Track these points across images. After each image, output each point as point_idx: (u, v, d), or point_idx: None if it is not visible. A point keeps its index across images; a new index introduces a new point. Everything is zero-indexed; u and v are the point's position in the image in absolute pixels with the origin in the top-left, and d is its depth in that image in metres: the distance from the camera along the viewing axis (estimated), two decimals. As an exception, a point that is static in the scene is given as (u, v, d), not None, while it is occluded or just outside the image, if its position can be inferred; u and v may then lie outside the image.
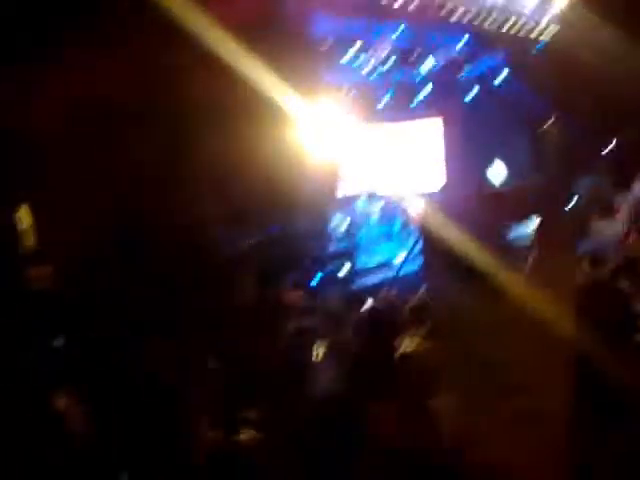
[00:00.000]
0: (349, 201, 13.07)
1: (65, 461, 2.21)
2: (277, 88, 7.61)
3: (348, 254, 11.13)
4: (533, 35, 11.18)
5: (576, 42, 9.95)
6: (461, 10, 11.06)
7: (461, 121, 13.48)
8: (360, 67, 12.20)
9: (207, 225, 7.57)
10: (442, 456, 2.03)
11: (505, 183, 11.86)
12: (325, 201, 11.33)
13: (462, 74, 13.33)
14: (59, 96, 6.09)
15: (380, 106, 13.16)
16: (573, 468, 1.96)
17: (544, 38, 11.12)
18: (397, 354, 3.02)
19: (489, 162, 12.04)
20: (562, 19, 11.01)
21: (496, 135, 12.62)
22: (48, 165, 6.11)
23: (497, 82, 13.01)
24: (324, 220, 11.54)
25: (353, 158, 12.19)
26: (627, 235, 6.89)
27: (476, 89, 13.49)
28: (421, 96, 13.56)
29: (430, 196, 11.62)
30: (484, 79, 13.36)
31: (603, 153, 10.87)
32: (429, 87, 13.39)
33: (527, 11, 11.21)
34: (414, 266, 9.81)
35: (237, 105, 7.30)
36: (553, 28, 11.06)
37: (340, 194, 12.58)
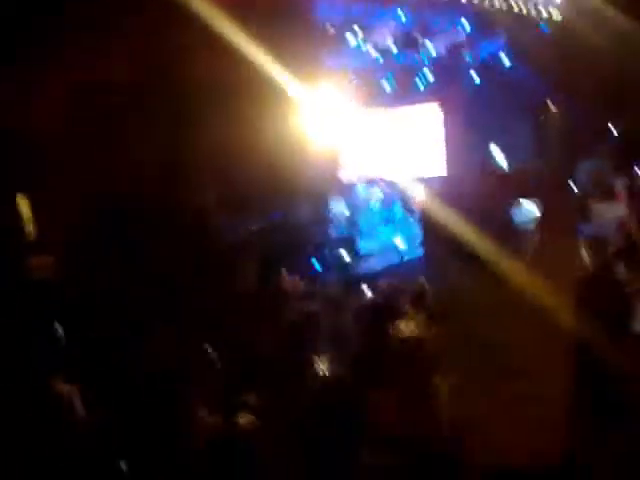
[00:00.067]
0: (350, 187, 13.05)
1: (65, 448, 2.24)
2: (279, 73, 7.56)
3: (349, 240, 11.13)
4: (535, 18, 11.08)
5: (579, 25, 9.87)
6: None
7: (463, 105, 13.40)
8: (362, 51, 12.13)
9: (209, 212, 7.57)
10: (442, 444, 2.04)
11: (507, 167, 11.83)
12: (326, 187, 11.32)
13: (464, 58, 13.24)
14: (57, 82, 6.06)
15: (381, 91, 13.09)
16: (573, 453, 1.97)
17: (546, 21, 11.02)
18: (397, 339, 3.03)
19: (490, 147, 11.99)
20: (564, 2, 10.90)
21: (498, 119, 12.55)
22: (47, 154, 6.10)
23: (499, 66, 12.91)
24: (325, 206, 11.53)
25: (354, 143, 12.15)
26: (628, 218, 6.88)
27: (478, 73, 13.39)
28: (423, 80, 13.47)
29: (432, 180, 11.59)
30: (486, 63, 13.26)
31: (605, 137, 10.82)
32: (431, 71, 13.30)
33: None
34: (415, 251, 9.82)
35: (239, 91, 7.28)
36: (555, 11, 10.95)
37: (341, 180, 12.56)
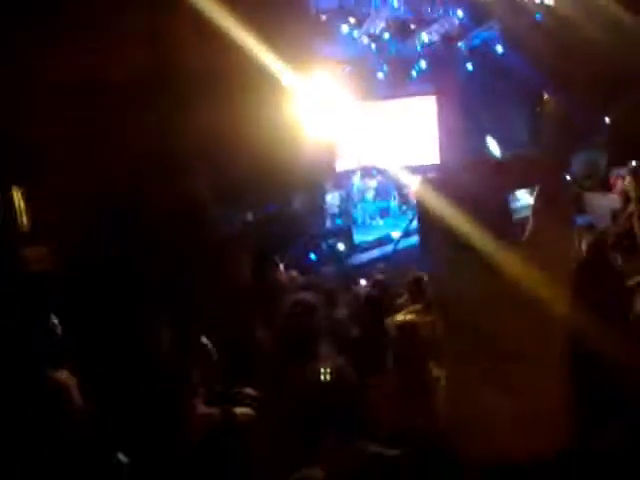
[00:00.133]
0: (345, 177, 13.04)
1: (62, 437, 2.23)
2: (273, 62, 7.51)
3: (344, 231, 11.13)
4: (530, 6, 11.03)
5: (573, 13, 9.83)
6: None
7: (458, 94, 13.39)
8: (356, 40, 12.08)
9: (204, 203, 7.54)
10: (440, 438, 2.03)
11: (501, 155, 11.82)
12: (322, 178, 11.29)
13: (458, 47, 13.21)
14: (48, 74, 6.01)
15: (375, 80, 13.06)
16: (569, 446, 1.97)
17: (541, 9, 10.97)
18: (393, 325, 3.04)
19: (485, 135, 11.98)
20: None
21: (492, 107, 12.54)
22: (41, 145, 6.06)
23: (493, 54, 12.88)
24: (321, 197, 11.52)
25: (349, 133, 12.12)
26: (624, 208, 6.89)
27: (472, 62, 13.37)
28: (418, 69, 13.45)
29: (427, 169, 11.60)
30: (481, 52, 13.23)
31: (600, 127, 10.82)
32: (426, 60, 13.27)
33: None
34: (411, 241, 9.83)
35: (234, 81, 7.23)
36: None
37: (336, 170, 12.55)
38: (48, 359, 2.74)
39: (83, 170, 6.19)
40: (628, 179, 6.83)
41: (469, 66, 13.44)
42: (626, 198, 6.89)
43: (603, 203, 8.64)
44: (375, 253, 10.70)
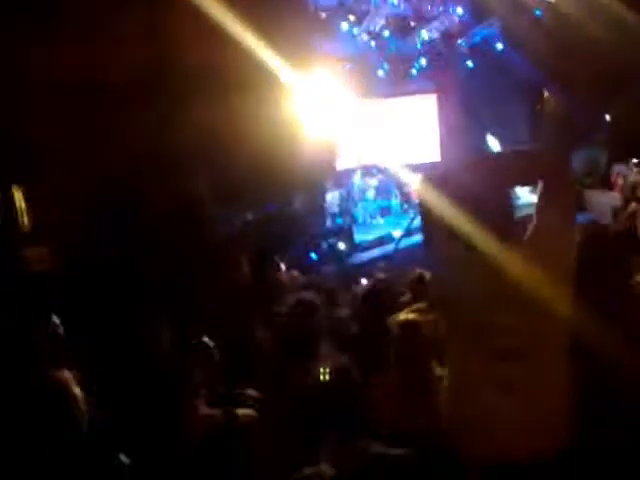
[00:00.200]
0: (346, 176, 13.03)
1: (64, 438, 2.23)
2: (273, 59, 7.48)
3: (345, 230, 11.11)
4: (530, 3, 11.00)
5: (574, 11, 9.81)
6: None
7: (458, 92, 13.37)
8: (355, 37, 12.06)
9: (204, 203, 7.53)
10: (442, 437, 2.03)
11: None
12: (322, 177, 11.27)
13: (459, 44, 13.19)
14: (47, 74, 6.00)
15: (375, 77, 13.04)
16: (570, 444, 1.96)
17: (541, 6, 10.94)
18: (395, 323, 3.03)
19: (485, 133, 11.96)
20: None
21: (493, 105, 12.53)
22: (41, 145, 6.05)
23: (494, 51, 12.87)
24: (321, 196, 11.50)
25: (350, 132, 12.11)
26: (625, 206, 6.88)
27: (473, 59, 13.36)
28: (418, 67, 13.43)
29: (428, 167, 11.58)
30: (481, 49, 13.22)
31: (601, 124, 10.80)
32: (426, 58, 13.26)
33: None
34: (412, 240, 9.82)
35: (233, 80, 7.21)
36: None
37: (337, 169, 12.52)
38: (49, 359, 2.74)
39: (83, 170, 6.17)
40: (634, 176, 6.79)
41: (469, 63, 13.42)
42: (632, 192, 6.85)
43: (603, 201, 8.62)
44: (376, 252, 10.69)
